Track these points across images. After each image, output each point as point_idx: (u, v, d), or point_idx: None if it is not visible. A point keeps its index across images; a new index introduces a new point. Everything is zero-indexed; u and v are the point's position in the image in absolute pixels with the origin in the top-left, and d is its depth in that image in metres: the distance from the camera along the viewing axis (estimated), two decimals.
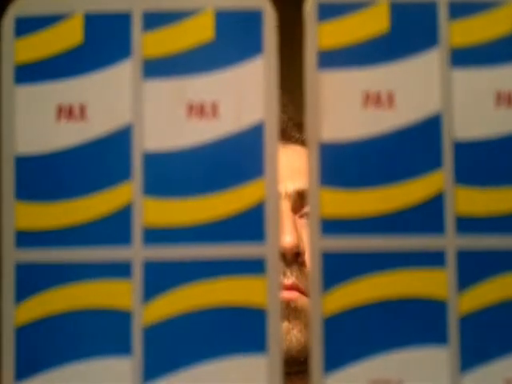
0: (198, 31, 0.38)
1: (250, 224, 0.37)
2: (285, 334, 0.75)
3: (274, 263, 0.37)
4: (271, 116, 0.37)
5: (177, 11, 0.38)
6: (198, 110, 0.38)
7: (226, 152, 0.37)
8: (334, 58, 0.38)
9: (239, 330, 0.37)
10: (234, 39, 0.38)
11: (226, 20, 0.38)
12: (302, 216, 0.79)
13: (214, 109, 0.37)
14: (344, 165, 0.38)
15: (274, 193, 0.37)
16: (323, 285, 0.37)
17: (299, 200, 0.78)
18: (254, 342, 0.36)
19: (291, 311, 0.75)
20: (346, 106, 0.38)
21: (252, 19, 0.37)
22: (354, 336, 0.37)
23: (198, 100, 0.38)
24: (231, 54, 0.37)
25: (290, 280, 0.75)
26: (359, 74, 0.38)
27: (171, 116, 0.38)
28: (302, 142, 0.82)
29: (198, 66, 0.38)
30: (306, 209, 0.78)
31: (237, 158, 0.37)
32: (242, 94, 0.37)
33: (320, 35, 0.38)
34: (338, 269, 0.37)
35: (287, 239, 0.75)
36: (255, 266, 0.37)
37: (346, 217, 0.37)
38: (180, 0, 0.38)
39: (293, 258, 0.75)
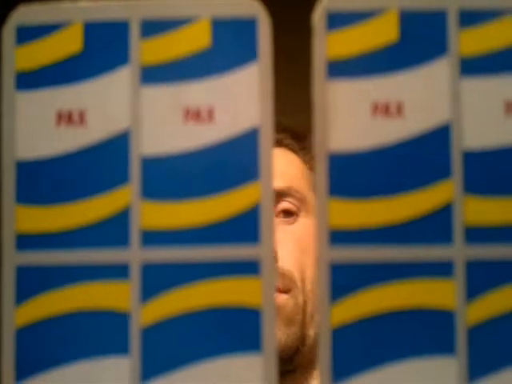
0: (195, 39, 0.38)
1: (245, 226, 0.37)
2: None
3: (268, 264, 0.37)
4: (266, 121, 0.38)
5: (174, 19, 0.38)
6: (194, 115, 0.38)
7: (221, 156, 0.38)
8: (342, 68, 0.37)
9: (235, 330, 0.37)
10: (229, 46, 0.38)
11: (221, 28, 0.38)
12: (276, 215, 0.81)
13: (210, 114, 0.38)
14: (352, 175, 0.37)
15: (269, 195, 0.37)
16: (331, 296, 0.37)
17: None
18: (249, 341, 0.37)
19: None
20: (355, 115, 0.37)
21: (247, 27, 0.38)
22: (362, 347, 0.37)
23: (194, 105, 0.38)
24: (227, 60, 0.38)
25: None
26: (368, 83, 0.37)
27: (168, 121, 0.38)
28: (280, 144, 0.84)
29: (194, 72, 0.38)
30: (278, 208, 0.81)
31: (232, 161, 0.38)
32: (238, 99, 0.38)
33: (329, 44, 0.37)
34: (346, 279, 0.37)
35: None
36: (250, 268, 0.37)
37: (354, 227, 0.37)
38: (177, 8, 0.38)
39: None
